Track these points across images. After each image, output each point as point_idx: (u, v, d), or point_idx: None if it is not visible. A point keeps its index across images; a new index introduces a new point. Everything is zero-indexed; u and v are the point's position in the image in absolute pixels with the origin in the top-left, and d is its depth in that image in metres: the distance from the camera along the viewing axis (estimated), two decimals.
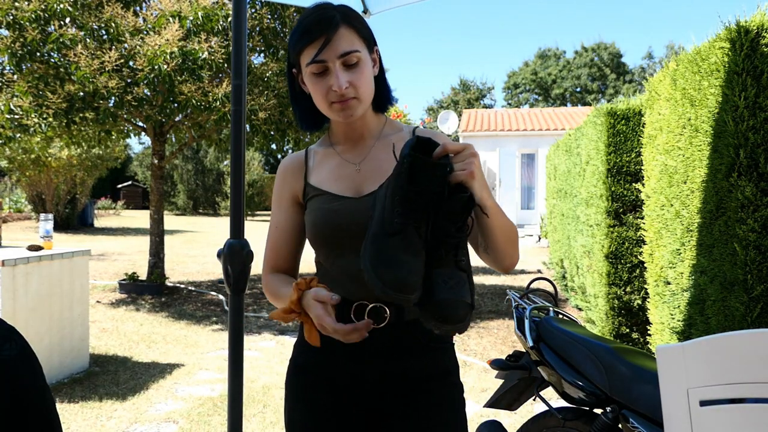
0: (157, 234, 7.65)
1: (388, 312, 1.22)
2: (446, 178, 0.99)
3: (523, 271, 9.83)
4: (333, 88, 1.19)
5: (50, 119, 6.13)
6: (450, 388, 1.30)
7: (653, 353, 2.85)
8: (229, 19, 6.23)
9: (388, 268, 0.96)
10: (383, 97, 1.33)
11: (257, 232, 11.72)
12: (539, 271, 9.78)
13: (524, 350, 2.32)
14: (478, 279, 8.96)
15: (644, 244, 3.89)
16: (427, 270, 0.99)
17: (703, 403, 1.19)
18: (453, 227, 0.99)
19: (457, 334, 0.97)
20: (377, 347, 1.23)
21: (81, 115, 6.35)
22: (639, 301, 4.54)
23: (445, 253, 1.00)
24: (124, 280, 7.62)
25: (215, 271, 9.61)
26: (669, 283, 3.33)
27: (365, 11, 2.59)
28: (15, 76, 6.40)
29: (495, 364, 2.35)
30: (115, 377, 4.33)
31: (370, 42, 1.26)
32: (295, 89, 1.33)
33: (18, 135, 6.60)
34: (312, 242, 1.32)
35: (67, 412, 3.63)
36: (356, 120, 1.26)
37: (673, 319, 3.26)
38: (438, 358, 1.29)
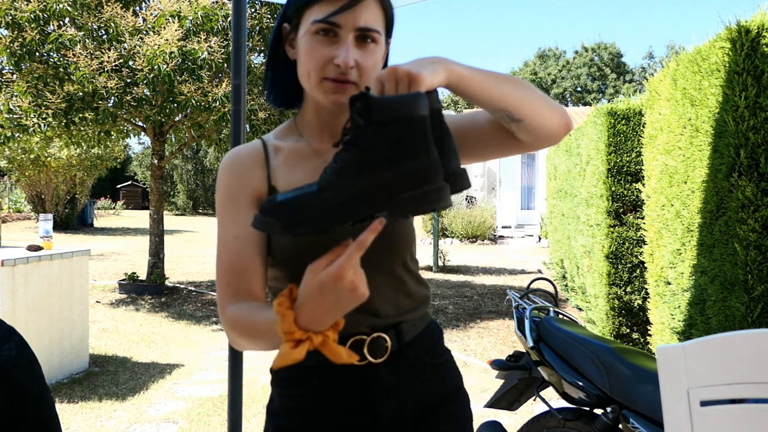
0: (157, 234, 7.64)
1: (389, 341, 1.04)
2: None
3: (523, 271, 9.83)
4: (336, 61, 0.95)
5: (50, 119, 6.13)
6: (462, 403, 1.16)
7: (653, 353, 2.85)
8: (229, 18, 6.23)
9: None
10: None
11: None
12: (539, 271, 9.77)
13: (524, 350, 2.32)
14: (477, 279, 8.96)
15: (644, 244, 3.89)
16: None
17: (703, 404, 1.19)
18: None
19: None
20: (386, 383, 1.04)
21: (80, 115, 6.35)
22: (639, 302, 4.54)
23: None
24: (123, 280, 7.62)
25: (215, 270, 9.60)
26: (669, 283, 3.33)
27: None
28: (14, 76, 6.40)
29: (495, 364, 2.35)
30: (114, 377, 4.33)
31: (389, 31, 1.07)
32: (278, 51, 1.07)
33: (17, 135, 6.60)
34: (280, 264, 1.04)
35: (66, 412, 3.63)
36: (344, 109, 0.99)
37: (674, 319, 3.26)
38: (446, 374, 1.14)
